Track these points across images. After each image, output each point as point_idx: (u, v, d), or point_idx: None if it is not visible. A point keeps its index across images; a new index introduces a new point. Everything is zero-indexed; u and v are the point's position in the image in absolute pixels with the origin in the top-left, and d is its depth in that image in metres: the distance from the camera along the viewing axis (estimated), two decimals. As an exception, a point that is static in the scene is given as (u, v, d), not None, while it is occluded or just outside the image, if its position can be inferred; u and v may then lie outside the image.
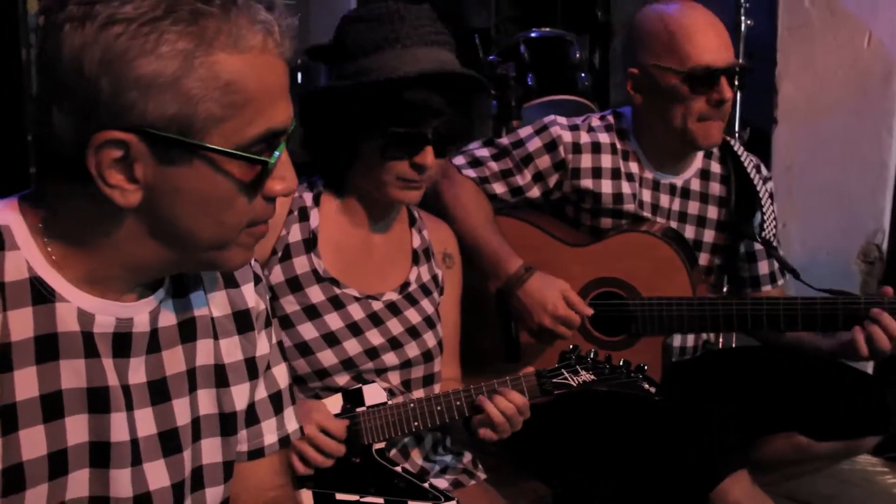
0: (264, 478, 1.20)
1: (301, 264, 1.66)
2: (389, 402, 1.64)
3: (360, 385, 1.64)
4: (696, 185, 2.15)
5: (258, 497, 1.19)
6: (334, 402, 1.63)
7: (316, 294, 1.65)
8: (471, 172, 2.09)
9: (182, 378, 1.08)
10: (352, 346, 1.65)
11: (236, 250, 1.01)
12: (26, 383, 0.95)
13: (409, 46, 1.57)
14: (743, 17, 3.09)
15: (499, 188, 2.10)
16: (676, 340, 2.15)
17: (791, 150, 3.30)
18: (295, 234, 1.67)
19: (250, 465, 1.18)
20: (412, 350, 1.71)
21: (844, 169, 3.21)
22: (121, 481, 1.02)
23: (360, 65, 1.58)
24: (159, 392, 1.06)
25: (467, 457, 1.84)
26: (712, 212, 2.15)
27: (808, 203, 3.28)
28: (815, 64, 3.21)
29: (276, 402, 1.21)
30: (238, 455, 1.18)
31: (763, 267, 2.20)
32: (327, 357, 1.63)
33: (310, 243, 1.68)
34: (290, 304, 1.63)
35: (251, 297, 1.16)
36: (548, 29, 3.11)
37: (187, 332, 1.09)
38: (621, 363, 1.71)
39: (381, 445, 1.64)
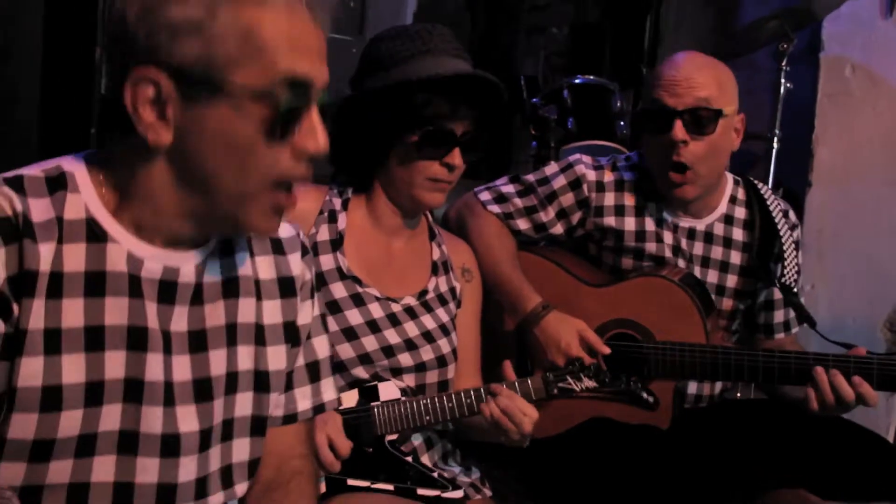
0: (291, 445, 1.26)
1: (326, 261, 1.76)
2: (403, 399, 1.72)
3: (377, 382, 1.72)
4: (719, 229, 2.17)
5: (282, 463, 1.26)
6: (350, 397, 1.71)
7: (339, 290, 1.74)
8: (496, 208, 2.16)
9: (221, 332, 1.15)
10: (369, 343, 1.73)
11: (258, 211, 1.07)
12: (73, 312, 1.04)
13: (439, 55, 1.72)
14: (783, 81, 3.14)
15: (523, 224, 2.16)
16: (692, 388, 2.17)
17: (823, 214, 3.33)
18: (323, 234, 1.78)
19: (280, 430, 1.25)
20: (427, 353, 1.78)
21: (875, 236, 3.23)
22: (152, 418, 1.09)
23: (392, 74, 1.71)
24: (198, 342, 1.13)
25: (476, 473, 1.90)
26: (735, 257, 2.17)
27: (837, 267, 3.31)
28: (852, 131, 3.26)
29: (314, 371, 1.28)
30: (272, 420, 1.24)
31: (779, 315, 2.21)
32: (345, 351, 1.71)
33: (336, 243, 1.78)
34: None
35: (297, 265, 1.24)
36: (592, 77, 3.21)
37: (231, 289, 1.17)
38: (622, 375, 1.81)
39: (394, 437, 1.72)
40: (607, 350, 1.98)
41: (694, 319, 2.02)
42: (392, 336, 1.76)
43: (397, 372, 1.76)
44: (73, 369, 1.04)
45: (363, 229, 1.82)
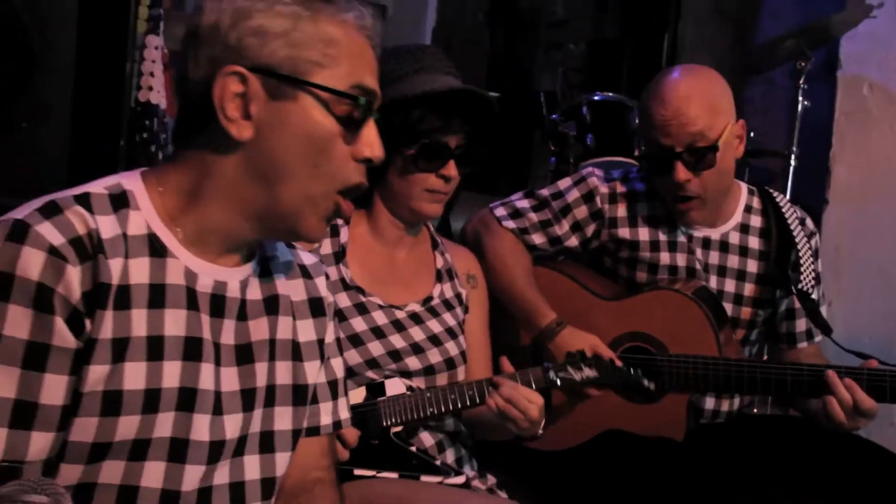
0: (313, 456, 1.30)
1: (330, 273, 1.78)
2: (408, 393, 1.76)
3: (383, 380, 1.76)
4: (735, 238, 2.18)
5: (305, 474, 1.30)
6: (358, 395, 1.75)
7: (343, 300, 1.78)
8: (511, 224, 2.18)
9: (264, 346, 1.21)
10: (375, 348, 1.77)
11: (316, 215, 1.15)
12: (138, 322, 1.09)
13: (432, 73, 1.80)
14: (801, 98, 3.16)
15: (538, 239, 2.19)
16: (710, 404, 2.17)
17: (840, 232, 3.34)
18: (326, 247, 1.82)
19: (304, 441, 1.29)
20: (434, 356, 1.82)
21: (892, 253, 3.23)
22: (201, 426, 1.13)
23: (388, 92, 1.76)
24: (245, 355, 1.19)
25: (491, 479, 1.91)
26: (752, 265, 2.18)
27: (853, 284, 3.31)
28: (869, 149, 3.27)
29: (333, 388, 1.33)
30: None
31: (801, 324, 2.21)
32: (352, 357, 1.75)
33: (338, 255, 1.83)
34: None
35: (323, 288, 1.32)
36: (610, 94, 3.24)
37: (271, 306, 1.23)
38: (622, 364, 1.87)
39: (399, 429, 1.75)
40: (619, 363, 2.00)
41: (706, 332, 2.04)
42: (397, 341, 1.80)
43: (406, 375, 1.79)
44: (135, 376, 1.09)
45: (365, 241, 1.87)
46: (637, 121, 3.14)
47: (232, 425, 1.16)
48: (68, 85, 2.24)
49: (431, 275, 1.92)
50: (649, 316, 2.08)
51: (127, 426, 1.08)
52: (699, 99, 2.01)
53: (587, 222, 2.19)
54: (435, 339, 1.84)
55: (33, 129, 2.14)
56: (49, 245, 1.03)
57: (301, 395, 1.26)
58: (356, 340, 1.77)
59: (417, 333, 1.83)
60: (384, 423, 1.74)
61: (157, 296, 1.11)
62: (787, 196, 3.14)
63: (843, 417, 1.91)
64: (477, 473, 1.91)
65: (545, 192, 2.22)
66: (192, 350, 1.13)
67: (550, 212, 2.19)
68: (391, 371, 1.78)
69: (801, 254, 2.14)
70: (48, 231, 1.04)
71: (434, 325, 1.85)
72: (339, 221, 1.85)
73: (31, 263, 1.02)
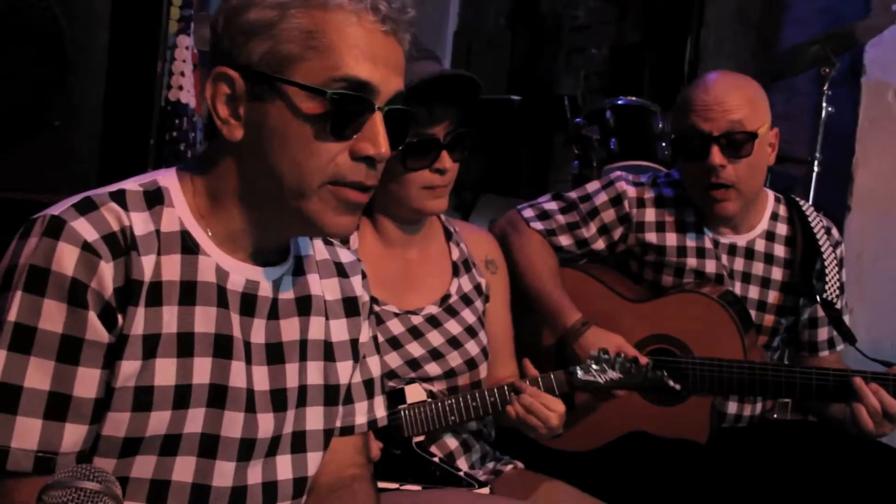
0: (348, 454, 1.30)
1: None
2: (429, 400, 1.74)
3: (403, 386, 1.74)
4: (760, 245, 2.19)
5: (341, 471, 1.30)
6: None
7: None
8: (538, 225, 2.20)
9: (295, 346, 1.20)
10: (392, 359, 1.72)
11: (323, 208, 1.10)
12: (169, 319, 1.10)
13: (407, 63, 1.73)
14: (825, 104, 3.15)
15: (565, 241, 2.20)
16: (732, 408, 2.17)
17: (863, 238, 3.32)
18: None
19: (339, 440, 1.29)
20: (454, 360, 1.78)
21: (916, 261, 3.22)
22: (233, 423, 1.13)
23: None
24: (275, 354, 1.18)
25: (520, 465, 1.89)
26: (777, 273, 2.18)
27: (876, 291, 3.30)
28: (893, 155, 3.26)
29: (369, 388, 1.33)
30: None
31: (823, 333, 2.21)
32: None
33: None
34: None
35: (359, 287, 1.30)
36: (634, 98, 3.25)
37: (303, 306, 1.22)
38: (645, 364, 1.82)
39: (421, 439, 1.74)
40: (645, 361, 2.00)
41: (732, 336, 2.04)
42: (415, 349, 1.76)
43: (427, 381, 1.77)
44: (165, 372, 1.09)
45: (374, 248, 1.81)
46: (661, 124, 3.17)
47: (265, 425, 1.17)
48: (100, 86, 2.26)
49: (447, 269, 1.86)
50: (675, 318, 2.09)
51: (158, 421, 1.09)
52: (742, 91, 2.06)
53: (615, 226, 2.20)
54: (454, 342, 1.80)
55: (66, 128, 2.17)
56: (83, 241, 1.04)
57: (333, 395, 1.26)
58: None
59: (436, 338, 1.79)
60: (406, 434, 1.73)
61: (189, 293, 1.11)
62: (811, 202, 3.14)
63: (870, 424, 1.91)
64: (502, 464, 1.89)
65: (573, 194, 2.24)
66: (222, 347, 1.13)
67: (578, 214, 2.21)
68: (411, 379, 1.76)
69: (826, 263, 2.15)
70: (83, 227, 1.05)
71: (453, 327, 1.81)
72: None
73: (66, 259, 1.03)
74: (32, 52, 2.00)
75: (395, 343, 1.76)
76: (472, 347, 1.82)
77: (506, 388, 1.74)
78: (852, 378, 1.93)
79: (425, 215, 1.81)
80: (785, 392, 2.03)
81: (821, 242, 2.16)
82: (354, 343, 1.29)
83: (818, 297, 2.13)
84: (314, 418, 1.23)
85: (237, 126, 1.10)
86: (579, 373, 1.80)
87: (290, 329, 1.21)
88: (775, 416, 2.74)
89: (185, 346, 1.11)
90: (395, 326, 1.77)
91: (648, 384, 1.85)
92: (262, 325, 1.18)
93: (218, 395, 1.13)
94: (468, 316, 1.84)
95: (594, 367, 1.81)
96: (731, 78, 2.10)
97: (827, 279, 2.14)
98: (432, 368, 1.77)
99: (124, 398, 1.07)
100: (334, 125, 1.08)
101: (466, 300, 1.86)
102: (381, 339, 1.73)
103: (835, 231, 2.24)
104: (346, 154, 1.09)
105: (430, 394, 1.76)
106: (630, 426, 2.09)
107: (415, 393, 1.74)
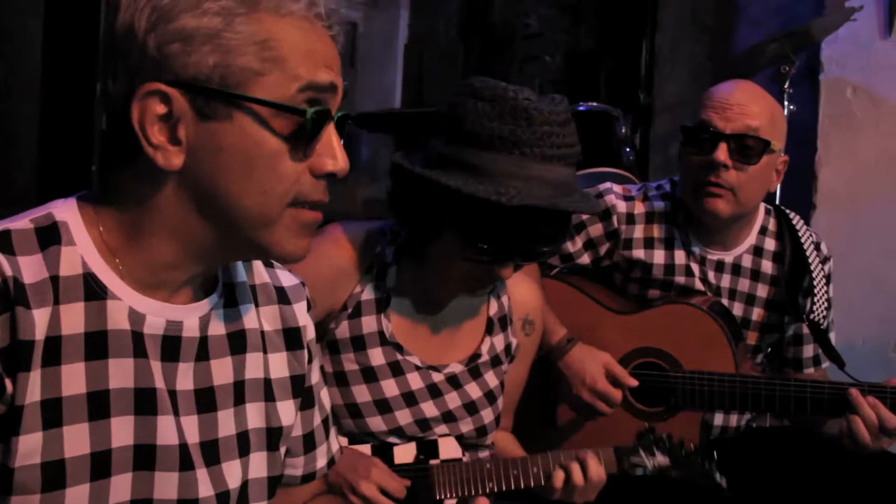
0: (309, 492, 1.24)
1: (369, 324, 1.62)
2: (465, 459, 1.62)
3: (437, 437, 1.63)
4: (747, 261, 2.13)
5: None
6: (407, 451, 1.61)
7: (377, 357, 1.61)
8: None
9: (228, 390, 1.06)
10: (403, 416, 1.62)
11: (283, 232, 0.98)
12: (74, 379, 0.95)
13: (527, 156, 1.45)
14: (786, 103, 3.13)
15: None
16: (718, 419, 2.12)
17: (829, 237, 3.27)
18: (369, 293, 1.63)
19: (300, 487, 1.19)
20: (466, 425, 1.67)
21: (883, 257, 3.22)
22: (166, 484, 1.00)
23: (466, 156, 1.48)
24: (205, 401, 1.04)
25: None
26: (762, 290, 2.13)
27: (845, 290, 3.26)
28: (856, 152, 3.26)
29: (326, 427, 1.22)
30: (290, 479, 1.19)
31: (808, 350, 2.16)
32: (376, 423, 1.61)
33: (381, 303, 1.63)
34: (349, 363, 1.61)
35: (303, 316, 1.16)
36: (595, 104, 3.20)
37: (237, 343, 1.08)
38: (694, 449, 1.69)
39: (453, 502, 1.61)
40: (635, 382, 1.95)
41: (723, 348, 1.99)
42: (430, 409, 1.64)
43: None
44: (76, 441, 0.94)
45: (413, 287, 1.66)
46: (624, 129, 3.12)
47: (203, 480, 1.02)
48: (35, 111, 2.14)
49: (481, 326, 1.73)
50: (663, 330, 2.02)
51: (76, 498, 0.94)
52: (767, 105, 2.02)
53: (601, 241, 2.12)
54: (471, 407, 1.68)
55: (1, 157, 2.03)
56: None
57: (275, 438, 1.12)
58: (384, 407, 1.61)
59: (453, 400, 1.66)
60: (437, 496, 1.59)
61: (97, 345, 0.96)
62: (777, 202, 3.12)
63: (868, 438, 1.86)
64: None
65: None
66: (144, 402, 0.98)
67: None
68: (417, 438, 1.64)
69: (815, 280, 2.09)
70: None
71: (473, 390, 1.68)
72: (389, 259, 1.63)
73: None
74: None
75: (410, 399, 1.63)
76: (486, 415, 1.69)
77: (551, 459, 1.61)
78: (848, 390, 1.88)
79: (469, 295, 1.66)
80: (779, 406, 1.97)
81: (810, 259, 2.10)
82: (297, 380, 1.14)
83: (805, 318, 2.08)
84: (257, 466, 1.09)
85: (176, 152, 0.94)
86: (627, 454, 1.67)
87: (222, 371, 1.05)
88: (754, 424, 2.71)
89: (99, 406, 0.95)
90: (415, 381, 1.64)
91: (696, 476, 1.71)
92: (190, 370, 1.02)
93: (145, 457, 0.98)
94: (491, 380, 1.72)
95: (643, 449, 1.68)
96: (761, 90, 2.05)
97: (815, 297, 2.09)
98: (441, 430, 1.65)
99: (29, 478, 0.91)
100: (302, 142, 0.95)
101: (495, 361, 1.74)
102: (396, 392, 1.63)
103: (824, 246, 2.19)
104: (307, 172, 0.97)
105: (465, 450, 1.64)
106: (619, 441, 2.00)
107: (449, 448, 1.62)
